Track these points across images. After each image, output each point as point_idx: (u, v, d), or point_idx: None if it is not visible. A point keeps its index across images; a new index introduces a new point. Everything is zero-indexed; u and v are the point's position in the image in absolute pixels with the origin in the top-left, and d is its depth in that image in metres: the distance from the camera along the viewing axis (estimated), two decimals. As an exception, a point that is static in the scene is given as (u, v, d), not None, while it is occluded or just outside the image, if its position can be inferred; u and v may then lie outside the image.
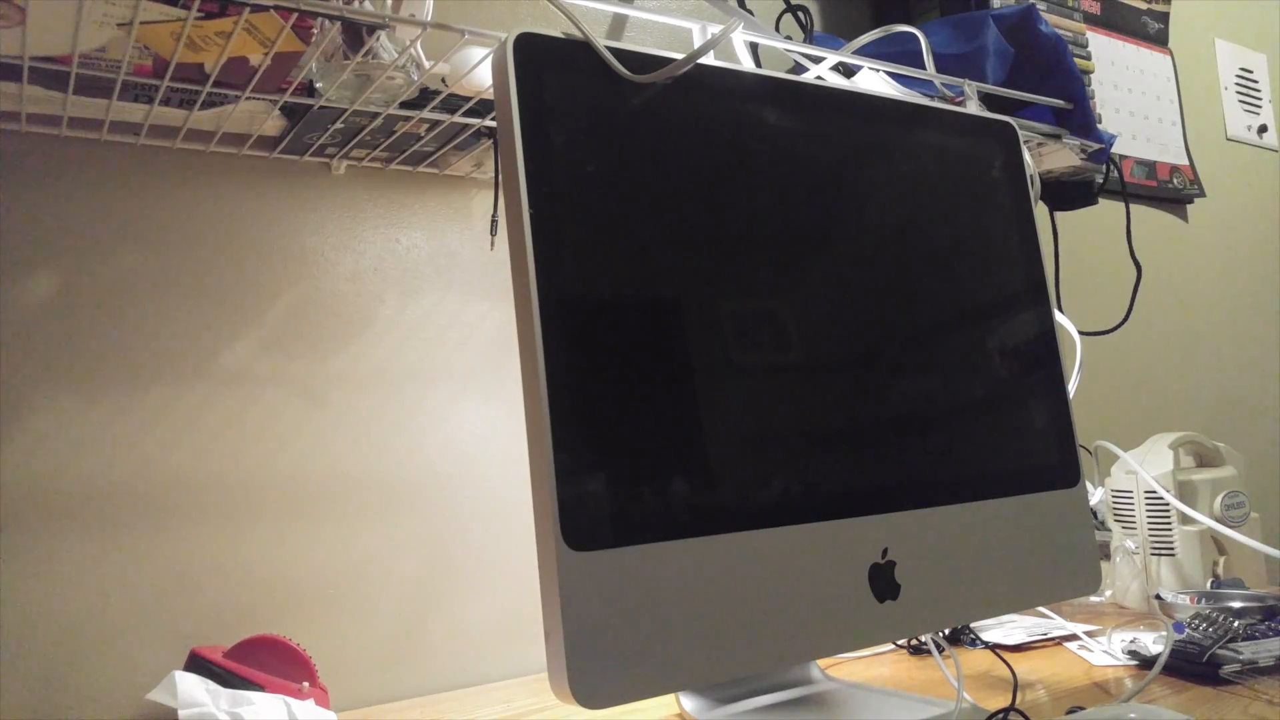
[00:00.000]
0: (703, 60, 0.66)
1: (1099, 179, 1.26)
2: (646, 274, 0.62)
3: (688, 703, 0.72)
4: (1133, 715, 0.66)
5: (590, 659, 0.54)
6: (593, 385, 0.58)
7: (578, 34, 0.62)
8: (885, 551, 0.66)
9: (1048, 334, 0.82)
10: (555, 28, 0.62)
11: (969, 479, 0.73)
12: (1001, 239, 0.82)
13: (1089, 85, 1.29)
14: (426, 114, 0.83)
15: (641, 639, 0.56)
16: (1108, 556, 1.08)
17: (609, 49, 0.62)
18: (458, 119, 0.84)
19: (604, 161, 0.62)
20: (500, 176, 0.73)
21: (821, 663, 0.88)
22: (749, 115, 0.69)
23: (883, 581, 0.66)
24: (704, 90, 0.67)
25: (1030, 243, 0.84)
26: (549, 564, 0.54)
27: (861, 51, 1.01)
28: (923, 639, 0.91)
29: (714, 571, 0.59)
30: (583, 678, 0.53)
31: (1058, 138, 1.10)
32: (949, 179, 0.80)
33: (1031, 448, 0.79)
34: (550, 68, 0.60)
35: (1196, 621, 0.83)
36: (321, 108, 0.80)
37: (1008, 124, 0.85)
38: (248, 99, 0.78)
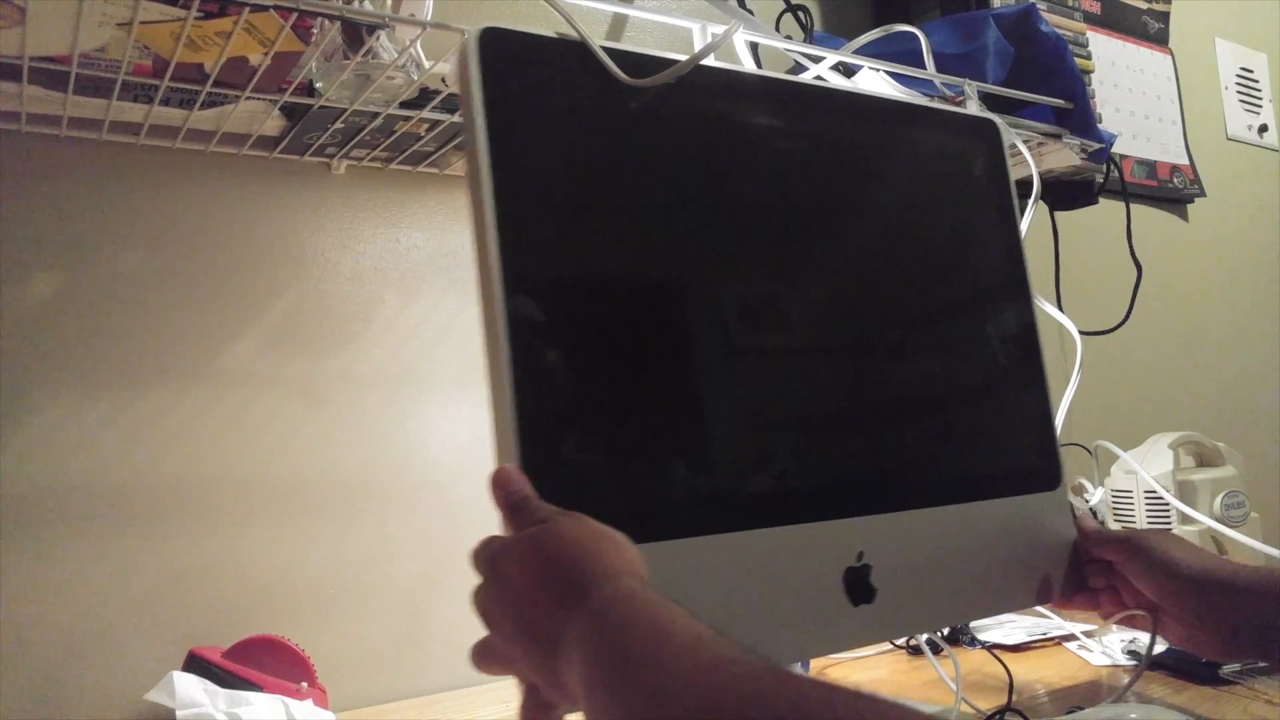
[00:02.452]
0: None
1: (1099, 178, 1.26)
2: (615, 275, 0.61)
3: None
4: (1133, 715, 0.66)
5: None
6: (562, 389, 0.56)
7: (573, 34, 0.62)
8: (861, 555, 0.65)
9: (1029, 333, 0.80)
10: (551, 27, 0.62)
11: (947, 481, 0.72)
12: (983, 239, 0.80)
13: (1089, 85, 1.29)
14: (426, 114, 0.83)
15: None
16: (1107, 556, 1.08)
17: (606, 50, 0.62)
18: (457, 119, 0.84)
19: (575, 160, 0.60)
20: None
21: (816, 663, 0.88)
22: (728, 113, 0.68)
23: (858, 585, 0.64)
24: (695, 90, 0.66)
25: (1012, 241, 0.82)
26: None
27: (862, 51, 1.01)
28: (920, 639, 0.91)
29: (683, 576, 0.57)
30: None
31: (1058, 137, 1.10)
32: (930, 178, 0.78)
33: (1011, 450, 0.77)
34: (518, 64, 0.59)
35: (1196, 622, 0.83)
36: (321, 107, 0.80)
37: (990, 121, 0.84)
38: (247, 99, 0.78)
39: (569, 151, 0.61)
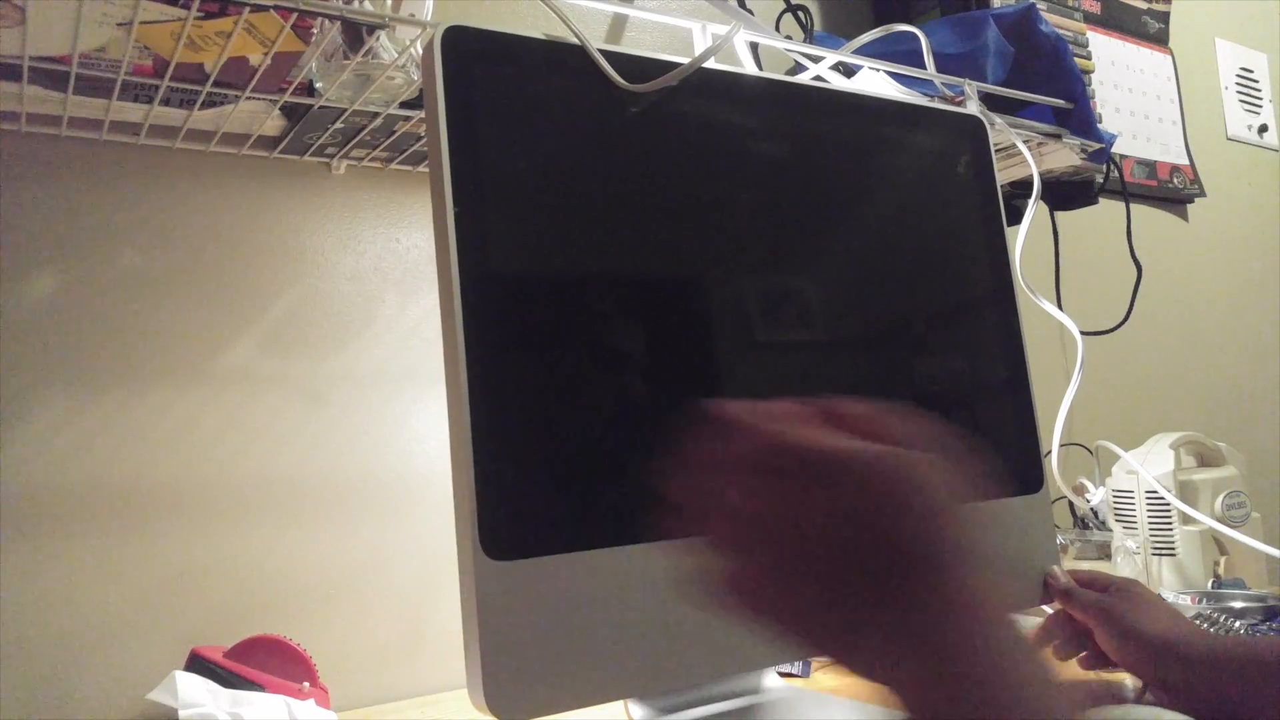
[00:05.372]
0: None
1: (1099, 179, 1.26)
2: (570, 279, 0.60)
3: (635, 710, 0.70)
4: (1137, 716, 0.66)
5: (507, 671, 0.52)
6: (514, 392, 0.55)
7: (570, 37, 0.62)
8: None
9: (1012, 334, 0.79)
10: (540, 29, 0.62)
11: None
12: (966, 238, 0.79)
13: (1089, 85, 1.29)
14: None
15: (562, 651, 0.53)
16: (1108, 556, 1.08)
17: (603, 52, 0.62)
18: (458, 119, 0.84)
19: (548, 164, 0.60)
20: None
21: (815, 662, 0.87)
22: (708, 113, 0.67)
23: None
24: (680, 92, 0.65)
25: (996, 240, 0.81)
26: (467, 573, 0.53)
27: (862, 51, 1.01)
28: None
29: (637, 582, 0.56)
30: (499, 689, 0.51)
31: (1058, 137, 1.10)
32: (912, 177, 0.77)
33: (991, 452, 0.75)
34: (485, 64, 0.58)
35: (1198, 622, 0.83)
36: (321, 107, 0.80)
37: (973, 117, 0.83)
38: (248, 99, 0.78)
39: (543, 154, 0.60)
